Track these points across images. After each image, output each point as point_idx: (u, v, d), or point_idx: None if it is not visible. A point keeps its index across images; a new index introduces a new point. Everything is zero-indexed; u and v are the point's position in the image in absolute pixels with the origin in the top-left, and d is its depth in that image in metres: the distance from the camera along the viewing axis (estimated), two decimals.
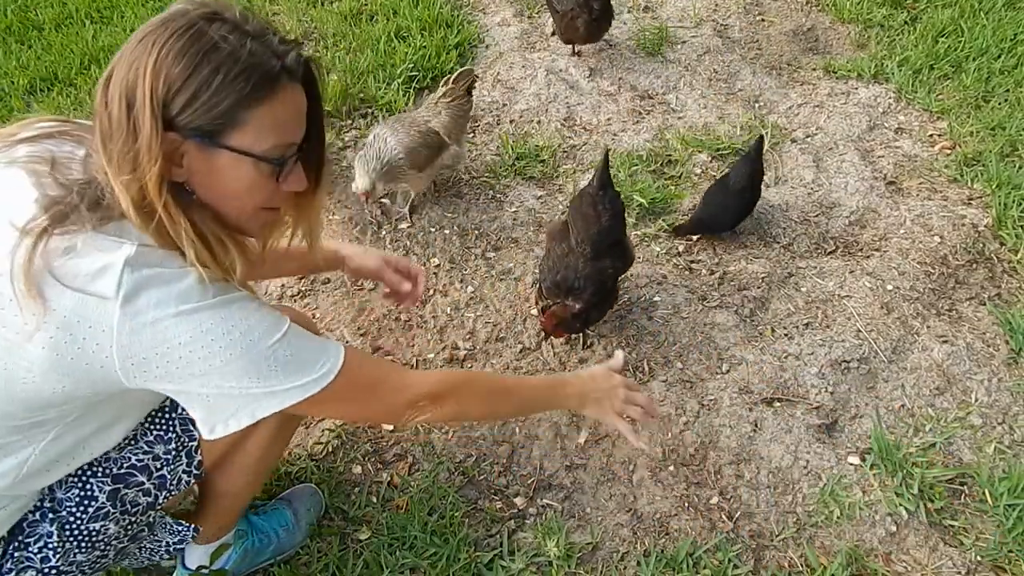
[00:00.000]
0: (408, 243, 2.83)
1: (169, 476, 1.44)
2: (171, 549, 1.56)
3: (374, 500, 2.02)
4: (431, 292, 2.63)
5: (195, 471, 1.48)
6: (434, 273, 2.70)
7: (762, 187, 2.74)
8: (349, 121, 3.40)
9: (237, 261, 1.21)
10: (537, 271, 2.59)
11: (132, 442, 1.41)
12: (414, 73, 3.53)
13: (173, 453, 1.43)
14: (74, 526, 1.34)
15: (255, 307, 1.20)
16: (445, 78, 2.77)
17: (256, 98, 1.10)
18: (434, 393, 1.42)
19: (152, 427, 1.42)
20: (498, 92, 3.55)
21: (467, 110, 2.83)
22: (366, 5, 4.12)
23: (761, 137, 2.83)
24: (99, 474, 1.36)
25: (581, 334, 2.42)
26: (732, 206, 2.72)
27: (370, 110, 3.45)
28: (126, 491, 1.37)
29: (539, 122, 3.39)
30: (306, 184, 1.30)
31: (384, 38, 3.75)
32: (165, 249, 1.14)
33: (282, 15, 4.10)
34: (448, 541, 1.89)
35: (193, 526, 1.58)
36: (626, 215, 2.42)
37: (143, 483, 1.40)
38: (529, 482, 2.07)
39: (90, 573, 1.42)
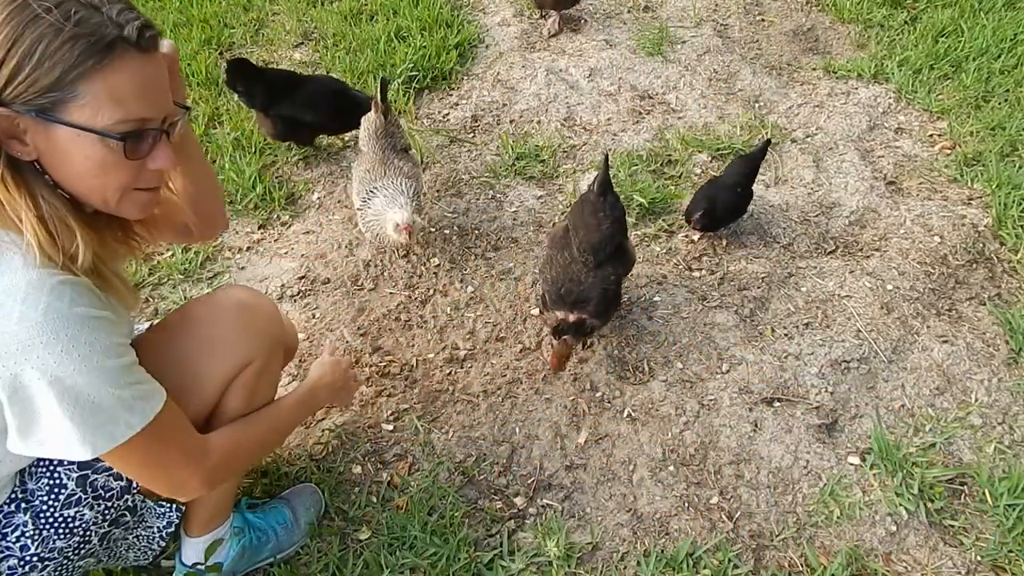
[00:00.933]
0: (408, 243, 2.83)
1: None
2: (164, 534, 1.59)
3: (374, 500, 2.02)
4: (431, 292, 2.63)
5: None
6: (434, 273, 2.70)
7: (758, 188, 2.74)
8: None
9: (83, 248, 1.16)
10: (537, 272, 2.58)
11: None
12: (414, 73, 3.53)
13: None
14: (48, 514, 1.37)
15: (107, 328, 1.16)
16: (373, 102, 2.63)
17: (88, 68, 1.05)
18: (208, 481, 1.41)
19: None
20: (498, 92, 3.55)
21: (395, 118, 2.72)
22: (366, 5, 4.12)
23: (768, 141, 2.83)
24: (65, 462, 1.37)
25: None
26: (725, 204, 2.69)
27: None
28: (95, 476, 1.39)
29: (539, 122, 3.39)
30: (176, 162, 1.24)
31: (384, 38, 3.75)
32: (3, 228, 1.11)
33: (282, 15, 4.10)
34: (448, 541, 1.89)
35: (177, 506, 1.60)
36: (627, 217, 2.41)
37: (111, 467, 1.40)
38: (529, 482, 2.07)
39: (76, 559, 1.44)
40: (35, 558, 1.36)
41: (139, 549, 1.59)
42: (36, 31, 1.02)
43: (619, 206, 2.30)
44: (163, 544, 1.61)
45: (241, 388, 1.55)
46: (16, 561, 1.35)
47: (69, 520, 1.38)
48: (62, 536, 1.38)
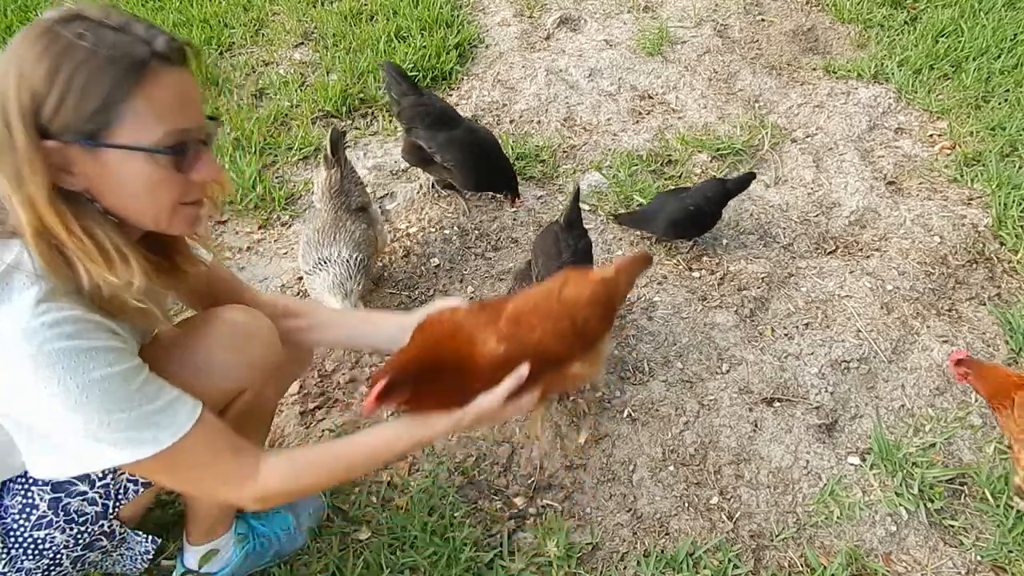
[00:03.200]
0: (408, 243, 2.83)
1: (113, 485, 1.41)
2: (144, 559, 1.58)
3: (374, 500, 2.02)
4: (431, 292, 2.62)
5: (141, 479, 1.44)
6: (434, 273, 2.70)
7: (758, 188, 2.72)
8: (349, 121, 3.40)
9: (137, 275, 1.14)
10: None
11: None
12: (414, 73, 3.53)
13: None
14: (18, 533, 1.34)
15: (107, 356, 1.12)
16: (324, 155, 2.47)
17: (128, 88, 1.06)
18: (276, 495, 1.34)
19: None
20: (498, 92, 3.55)
21: (354, 174, 2.55)
22: (366, 5, 4.12)
23: (752, 175, 2.73)
24: (39, 482, 1.34)
25: None
26: (670, 214, 2.61)
27: (370, 110, 3.45)
28: (68, 500, 1.36)
29: (539, 122, 3.39)
30: (222, 170, 1.23)
31: (384, 38, 3.75)
32: (53, 269, 1.09)
33: (282, 15, 4.10)
34: (448, 541, 1.89)
35: (152, 538, 1.59)
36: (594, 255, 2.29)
37: (86, 492, 1.37)
38: (529, 482, 2.07)
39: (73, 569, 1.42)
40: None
41: (125, 566, 1.57)
42: (74, 60, 1.03)
43: (586, 240, 2.18)
44: (146, 564, 1.60)
45: (231, 418, 1.49)
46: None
47: (39, 542, 1.35)
48: (31, 558, 1.36)
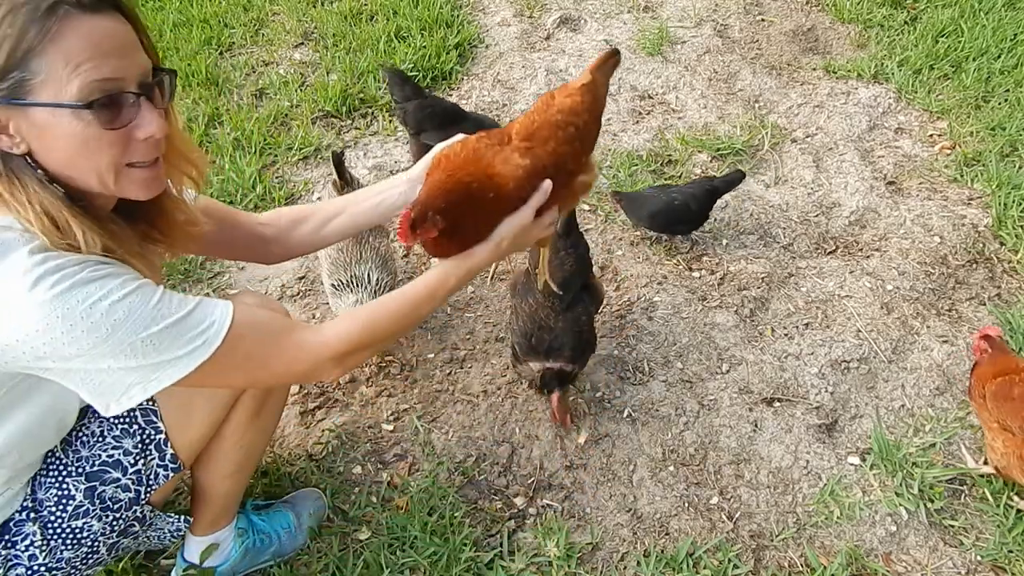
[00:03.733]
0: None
1: (145, 471, 1.44)
2: (174, 535, 1.61)
3: (374, 500, 2.02)
4: None
5: (171, 464, 1.48)
6: None
7: (758, 188, 2.72)
8: (349, 121, 3.40)
9: (90, 238, 1.09)
10: (505, 325, 2.36)
11: (100, 438, 1.41)
12: (414, 73, 3.53)
13: (141, 447, 1.44)
14: (56, 525, 1.36)
15: (116, 280, 1.08)
16: (332, 182, 2.48)
17: (35, 39, 0.98)
18: (350, 348, 1.29)
19: (117, 421, 1.43)
20: (498, 92, 3.55)
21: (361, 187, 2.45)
22: (366, 5, 4.12)
23: (742, 174, 2.72)
24: (73, 473, 1.37)
25: None
26: (654, 206, 2.64)
27: (370, 110, 3.45)
28: (103, 488, 1.38)
29: None
30: (166, 127, 1.14)
31: (384, 38, 3.75)
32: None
33: (282, 15, 4.10)
34: (448, 541, 1.89)
35: (185, 517, 1.61)
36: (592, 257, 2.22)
37: (119, 479, 1.40)
38: (529, 482, 2.07)
39: (84, 568, 1.44)
40: (42, 568, 1.36)
41: (150, 546, 1.61)
42: None
43: (583, 243, 2.17)
44: (175, 540, 1.63)
45: (246, 406, 1.55)
46: (24, 570, 1.35)
47: (77, 531, 1.38)
48: (70, 547, 1.38)
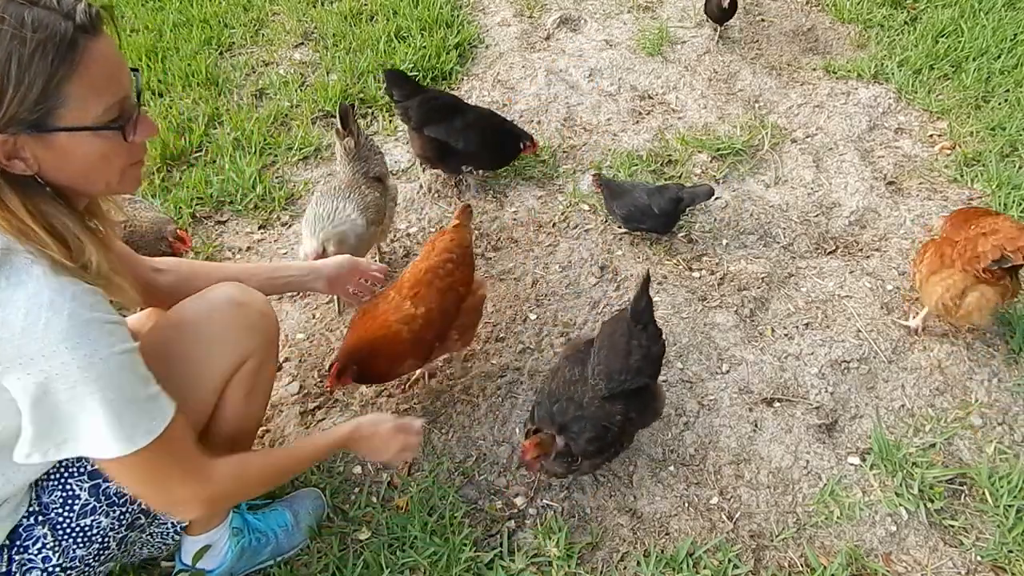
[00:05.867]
0: (408, 243, 2.83)
1: None
2: (178, 528, 1.61)
3: (374, 500, 2.02)
4: None
5: None
6: None
7: (758, 188, 2.71)
8: None
9: (95, 256, 1.17)
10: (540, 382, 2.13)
11: None
12: (414, 73, 3.53)
13: None
14: (65, 525, 1.38)
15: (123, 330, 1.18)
16: (335, 129, 2.56)
17: (64, 72, 1.06)
18: (206, 505, 1.38)
19: None
20: (498, 92, 3.55)
21: (371, 143, 2.63)
22: (366, 5, 4.12)
23: (711, 191, 2.68)
24: (76, 473, 1.38)
25: None
26: (618, 198, 2.72)
27: (370, 110, 3.45)
28: (106, 484, 1.40)
29: (539, 122, 3.39)
30: (157, 128, 1.27)
31: (384, 38, 3.75)
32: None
33: (282, 15, 4.10)
34: (448, 541, 1.89)
35: None
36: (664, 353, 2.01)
37: None
38: (529, 482, 2.07)
39: (98, 566, 1.45)
40: (57, 568, 1.38)
41: (153, 546, 1.61)
42: (4, 50, 1.02)
43: (661, 343, 1.95)
44: (176, 538, 1.63)
45: (239, 386, 1.56)
46: (39, 573, 1.37)
47: (87, 529, 1.39)
48: (81, 545, 1.40)
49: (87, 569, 1.43)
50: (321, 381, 2.32)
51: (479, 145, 2.84)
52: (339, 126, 2.51)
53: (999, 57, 3.62)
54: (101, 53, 1.11)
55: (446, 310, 2.04)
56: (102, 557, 1.44)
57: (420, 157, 2.98)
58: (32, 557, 1.36)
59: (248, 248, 2.80)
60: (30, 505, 1.37)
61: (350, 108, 2.51)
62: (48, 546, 1.36)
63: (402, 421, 1.74)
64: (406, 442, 1.73)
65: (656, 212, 2.64)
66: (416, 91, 2.83)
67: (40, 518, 1.37)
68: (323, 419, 2.22)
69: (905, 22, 3.95)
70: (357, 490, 2.04)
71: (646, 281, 1.89)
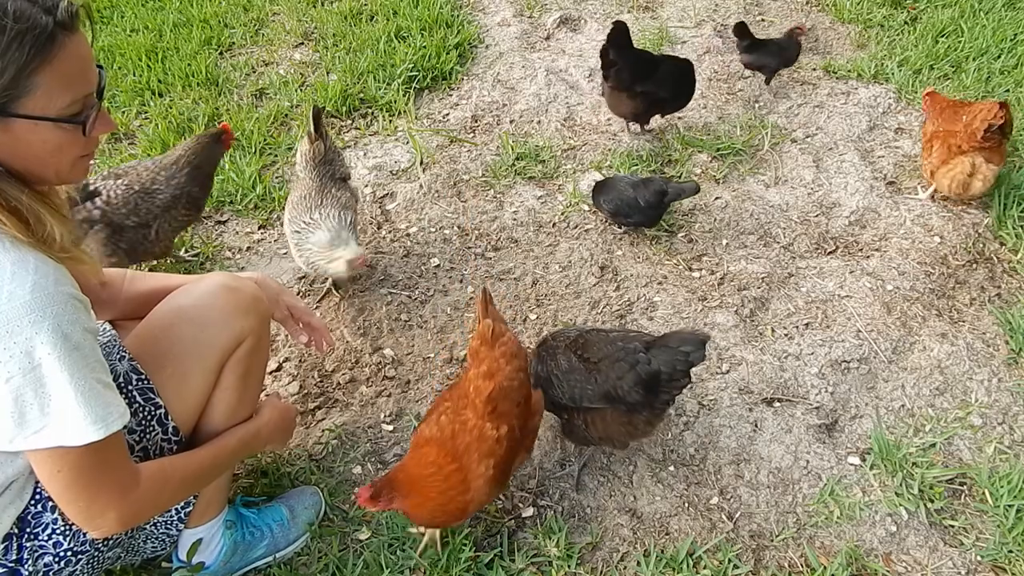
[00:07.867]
0: (408, 243, 2.83)
1: (151, 447, 1.49)
2: (182, 515, 1.62)
3: None
4: (431, 292, 2.62)
5: (173, 437, 1.52)
6: (434, 273, 2.70)
7: (758, 188, 2.71)
8: (349, 121, 3.40)
9: (56, 230, 1.18)
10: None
11: None
12: (414, 73, 3.53)
13: (145, 423, 1.47)
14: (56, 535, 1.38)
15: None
16: (307, 131, 2.55)
17: (37, 63, 1.08)
18: (127, 515, 1.34)
19: None
20: (498, 92, 3.55)
21: (334, 144, 2.64)
22: (366, 5, 4.12)
23: (696, 188, 2.69)
24: None
25: None
26: (605, 190, 2.75)
27: (370, 110, 3.45)
28: None
29: (539, 122, 3.39)
30: (115, 125, 1.29)
31: (384, 38, 3.75)
32: None
33: (282, 15, 4.10)
34: (448, 541, 1.89)
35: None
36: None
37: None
38: (529, 482, 2.07)
39: (106, 550, 1.47)
40: (69, 552, 1.40)
41: (157, 538, 1.61)
42: None
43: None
44: (180, 527, 1.64)
45: (235, 367, 1.58)
46: (51, 558, 1.38)
47: (79, 533, 1.40)
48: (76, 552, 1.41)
49: (96, 554, 1.45)
50: (321, 381, 2.32)
51: (674, 94, 3.13)
52: (311, 129, 2.52)
53: (999, 57, 3.62)
54: (75, 50, 1.13)
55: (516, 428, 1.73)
56: (111, 541, 1.47)
57: (629, 115, 3.19)
58: (43, 543, 1.38)
59: (248, 248, 2.80)
60: (36, 492, 1.38)
61: (321, 111, 2.56)
62: (59, 531, 1.38)
63: (284, 404, 1.83)
64: (293, 424, 1.86)
65: (642, 204, 2.65)
66: (633, 53, 3.05)
67: (50, 504, 1.37)
68: (323, 419, 2.22)
69: (905, 22, 3.95)
70: (357, 490, 2.04)
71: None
